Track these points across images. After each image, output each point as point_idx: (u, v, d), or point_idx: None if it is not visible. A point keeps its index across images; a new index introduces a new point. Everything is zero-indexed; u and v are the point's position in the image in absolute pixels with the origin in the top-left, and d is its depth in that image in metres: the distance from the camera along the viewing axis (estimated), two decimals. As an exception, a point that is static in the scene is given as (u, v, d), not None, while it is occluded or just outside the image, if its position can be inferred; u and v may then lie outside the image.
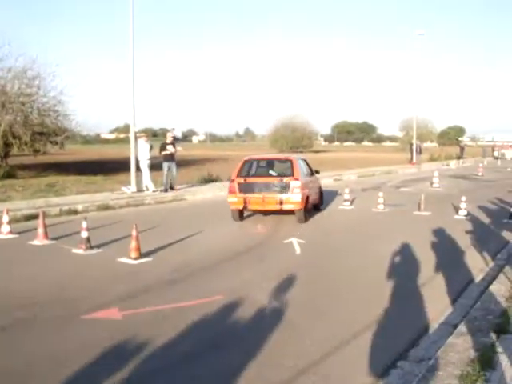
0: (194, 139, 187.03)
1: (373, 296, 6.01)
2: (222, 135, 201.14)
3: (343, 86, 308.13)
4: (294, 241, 9.17)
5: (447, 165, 37.23)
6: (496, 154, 53.55)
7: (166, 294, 6.11)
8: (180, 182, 17.90)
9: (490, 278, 6.63)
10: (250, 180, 11.20)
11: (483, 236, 9.90)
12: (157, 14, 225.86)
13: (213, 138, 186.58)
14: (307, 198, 11.45)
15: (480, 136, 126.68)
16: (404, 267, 7.38)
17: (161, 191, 16.05)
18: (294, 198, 10.85)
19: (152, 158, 16.52)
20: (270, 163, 12.40)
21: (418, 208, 13.18)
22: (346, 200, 14.02)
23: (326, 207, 13.96)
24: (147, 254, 7.90)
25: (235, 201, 11.09)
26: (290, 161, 11.62)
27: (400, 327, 5.04)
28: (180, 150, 17.30)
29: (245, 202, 11.02)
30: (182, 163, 23.68)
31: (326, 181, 22.43)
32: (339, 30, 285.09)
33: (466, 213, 12.21)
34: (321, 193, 13.45)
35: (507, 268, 6.72)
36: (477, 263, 7.65)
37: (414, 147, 36.45)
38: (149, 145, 16.58)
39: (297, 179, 10.94)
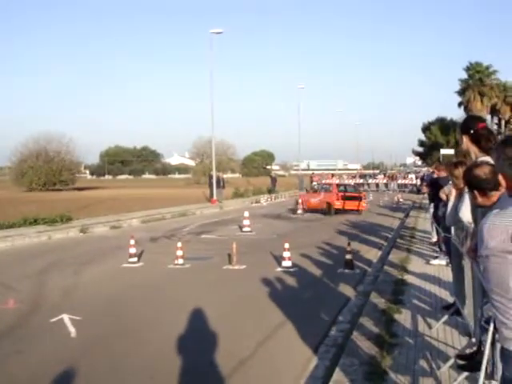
0: None
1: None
2: None
3: (111, 101, 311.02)
4: (66, 317, 8.73)
5: (257, 201, 39.45)
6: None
7: None
8: None
9: (336, 350, 6.88)
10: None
11: (317, 292, 10.50)
12: None
13: None
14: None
15: (293, 163, 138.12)
16: (216, 345, 7.31)
17: None
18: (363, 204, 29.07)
19: None
20: (348, 185, 33.77)
21: (228, 260, 13.50)
22: (131, 255, 13.71)
23: (106, 265, 13.62)
24: None
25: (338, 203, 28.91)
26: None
27: None
28: None
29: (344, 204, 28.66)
30: None
31: (100, 229, 21.82)
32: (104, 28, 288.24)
33: (290, 264, 12.80)
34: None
35: (355, 334, 7.02)
36: (314, 329, 7.96)
37: (214, 180, 37.76)
38: None
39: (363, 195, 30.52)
